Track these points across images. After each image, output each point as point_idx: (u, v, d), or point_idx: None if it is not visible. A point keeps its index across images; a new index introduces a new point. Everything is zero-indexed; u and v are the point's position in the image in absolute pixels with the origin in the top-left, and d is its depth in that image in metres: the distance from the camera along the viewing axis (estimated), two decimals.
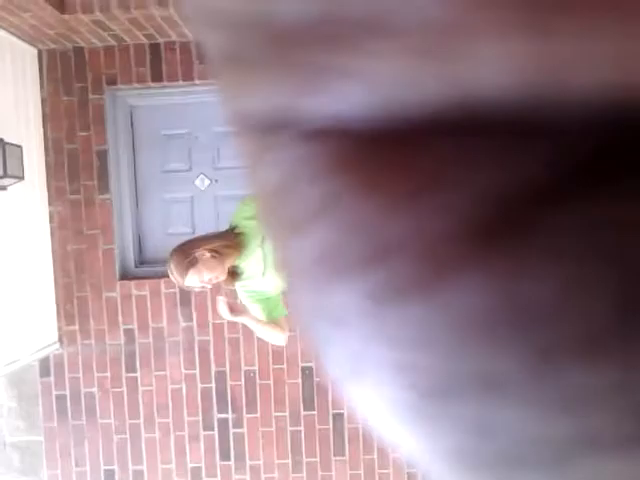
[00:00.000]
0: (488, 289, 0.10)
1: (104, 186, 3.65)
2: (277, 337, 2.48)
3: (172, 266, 2.36)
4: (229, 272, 2.41)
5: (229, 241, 2.45)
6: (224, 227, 2.63)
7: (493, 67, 0.09)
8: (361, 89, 0.10)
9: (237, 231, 2.48)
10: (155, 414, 3.70)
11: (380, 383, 0.12)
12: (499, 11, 0.09)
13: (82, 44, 3.58)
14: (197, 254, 2.34)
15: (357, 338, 0.12)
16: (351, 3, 0.09)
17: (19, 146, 3.22)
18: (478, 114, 0.10)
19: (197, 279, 2.33)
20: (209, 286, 2.40)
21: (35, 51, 3.59)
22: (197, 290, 2.48)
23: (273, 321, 2.46)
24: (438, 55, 0.09)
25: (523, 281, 0.10)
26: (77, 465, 3.74)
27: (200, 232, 3.44)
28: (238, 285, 2.48)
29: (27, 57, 3.52)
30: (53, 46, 3.58)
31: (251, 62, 0.11)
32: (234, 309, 2.46)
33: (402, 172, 0.10)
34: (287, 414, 3.66)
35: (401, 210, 0.10)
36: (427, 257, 0.10)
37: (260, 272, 2.44)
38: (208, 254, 2.34)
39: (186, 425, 3.70)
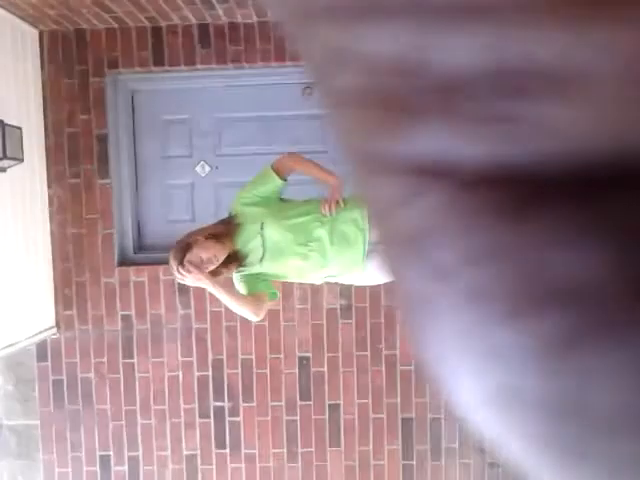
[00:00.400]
0: None
1: (104, 170, 3.63)
2: (248, 312, 2.41)
3: (171, 261, 2.35)
4: (231, 257, 2.40)
5: (226, 227, 2.43)
6: (224, 214, 2.62)
7: None
8: (543, 137, 0.10)
9: (236, 218, 2.47)
10: (151, 401, 3.69)
11: (537, 416, 0.12)
12: None
13: (84, 26, 3.54)
14: (191, 240, 2.34)
15: (513, 372, 0.12)
16: (537, 53, 0.09)
17: (19, 128, 3.20)
18: None
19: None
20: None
21: (36, 32, 3.56)
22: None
23: (253, 295, 2.43)
24: (634, 105, 0.09)
25: None
26: (73, 450, 3.75)
27: (200, 219, 3.43)
28: (236, 271, 2.46)
29: (28, 38, 3.48)
30: (54, 27, 3.55)
31: (404, 107, 0.11)
32: (200, 267, 2.32)
33: (586, 225, 0.10)
34: (283, 404, 3.65)
35: (584, 262, 0.10)
36: (610, 308, 0.11)
37: (258, 259, 2.42)
38: (202, 237, 2.34)
39: (182, 412, 3.69)
